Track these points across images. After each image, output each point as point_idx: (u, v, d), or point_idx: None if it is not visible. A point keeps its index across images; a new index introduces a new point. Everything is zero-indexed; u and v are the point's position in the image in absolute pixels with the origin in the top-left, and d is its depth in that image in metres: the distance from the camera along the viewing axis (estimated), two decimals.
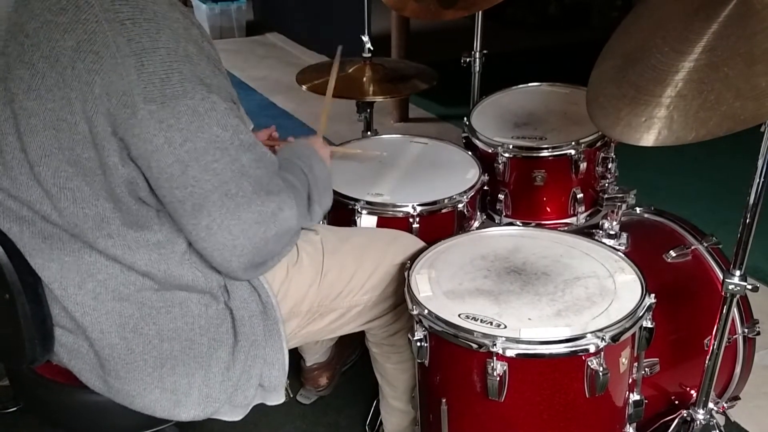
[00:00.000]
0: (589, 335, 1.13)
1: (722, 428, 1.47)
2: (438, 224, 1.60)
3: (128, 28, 0.94)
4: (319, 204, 1.23)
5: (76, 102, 0.95)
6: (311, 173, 1.24)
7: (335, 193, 1.60)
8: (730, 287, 1.27)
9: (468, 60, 2.11)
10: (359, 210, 1.58)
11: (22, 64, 0.98)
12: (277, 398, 1.25)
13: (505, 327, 1.16)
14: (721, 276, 1.35)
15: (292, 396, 1.27)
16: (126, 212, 1.04)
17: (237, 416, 1.22)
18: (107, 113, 0.95)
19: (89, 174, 1.00)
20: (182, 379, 1.13)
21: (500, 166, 1.76)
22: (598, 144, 1.76)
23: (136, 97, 0.94)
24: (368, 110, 2.10)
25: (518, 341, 1.13)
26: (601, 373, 1.13)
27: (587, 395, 1.17)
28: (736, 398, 1.63)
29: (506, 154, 1.75)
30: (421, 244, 1.46)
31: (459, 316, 1.19)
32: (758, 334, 1.55)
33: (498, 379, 1.14)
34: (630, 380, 1.29)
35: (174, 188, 1.00)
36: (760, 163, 1.18)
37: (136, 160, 0.99)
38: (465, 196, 1.63)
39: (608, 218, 1.57)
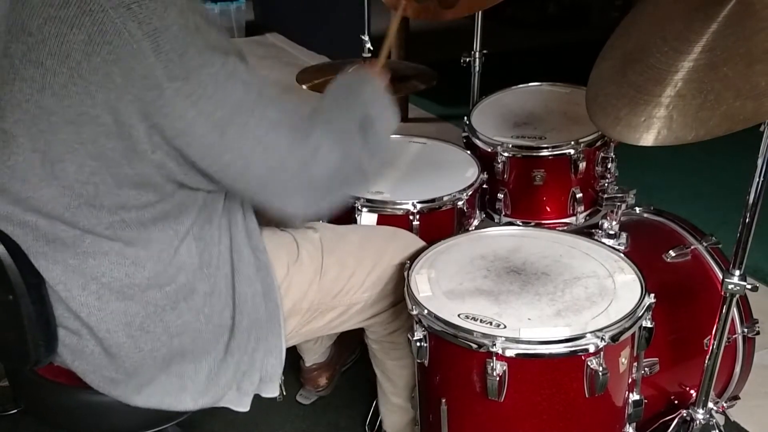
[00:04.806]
0: (588, 335, 1.13)
1: (722, 428, 1.47)
2: (438, 222, 1.61)
3: (135, 11, 0.93)
4: (380, 119, 1.21)
5: (97, 94, 0.94)
6: (359, 94, 1.22)
7: None
8: (730, 287, 1.27)
9: (468, 60, 2.11)
10: (359, 207, 1.58)
11: (30, 64, 0.96)
12: (272, 390, 1.25)
13: (505, 327, 1.16)
14: (720, 276, 1.35)
15: (285, 394, 1.28)
16: (153, 191, 1.03)
17: (243, 406, 1.23)
18: (134, 100, 0.94)
19: (113, 165, 0.99)
20: (189, 366, 1.14)
21: (500, 166, 1.76)
22: (598, 144, 1.76)
23: (159, 78, 0.94)
24: None
25: (518, 341, 1.13)
26: (600, 373, 1.13)
27: (587, 395, 1.17)
28: (735, 398, 1.63)
29: (506, 154, 1.75)
30: (419, 241, 1.46)
31: (459, 316, 1.19)
32: (758, 333, 1.55)
33: (498, 379, 1.14)
34: (630, 380, 1.29)
35: (217, 155, 1.01)
36: (759, 162, 1.18)
37: (172, 140, 0.98)
38: (465, 194, 1.63)
39: (608, 218, 1.57)
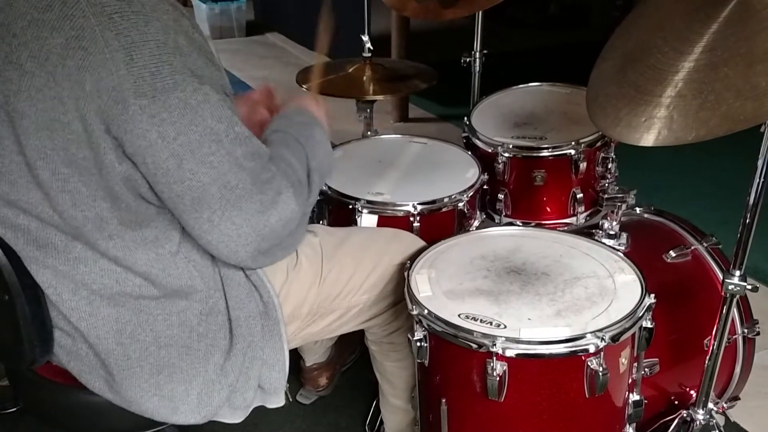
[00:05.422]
0: (588, 335, 1.13)
1: (722, 428, 1.47)
2: (438, 223, 1.60)
3: (116, 21, 0.92)
4: (318, 171, 1.18)
5: (68, 101, 0.94)
6: (309, 142, 1.19)
7: (336, 192, 1.62)
8: (730, 287, 1.27)
9: (468, 60, 2.12)
10: (360, 209, 1.58)
11: (10, 65, 0.96)
12: (277, 401, 1.25)
13: (505, 327, 1.16)
14: (720, 276, 1.35)
15: (291, 400, 1.27)
16: (125, 210, 1.03)
17: (237, 418, 1.22)
18: (99, 111, 0.94)
19: (85, 174, 0.99)
20: (180, 386, 1.13)
21: (500, 166, 1.76)
22: (598, 144, 1.76)
23: (126, 92, 0.93)
24: (368, 110, 2.10)
25: (518, 341, 1.13)
26: (600, 373, 1.13)
27: (587, 395, 1.17)
28: (735, 398, 1.63)
29: (506, 154, 1.75)
30: (420, 242, 1.46)
31: (459, 316, 1.19)
32: (758, 334, 1.55)
33: (498, 379, 1.14)
34: (630, 380, 1.29)
35: (171, 183, 0.99)
36: (760, 163, 1.18)
37: (131, 156, 0.97)
38: (465, 195, 1.63)
39: (608, 218, 1.57)
